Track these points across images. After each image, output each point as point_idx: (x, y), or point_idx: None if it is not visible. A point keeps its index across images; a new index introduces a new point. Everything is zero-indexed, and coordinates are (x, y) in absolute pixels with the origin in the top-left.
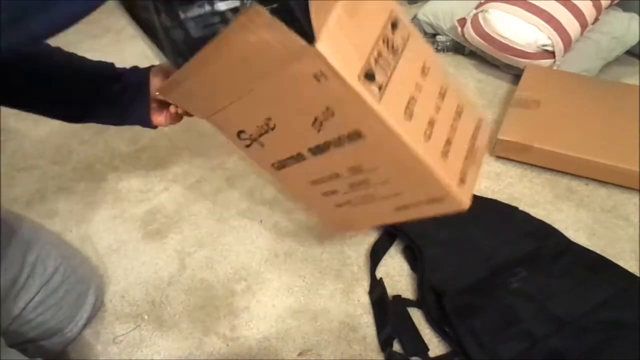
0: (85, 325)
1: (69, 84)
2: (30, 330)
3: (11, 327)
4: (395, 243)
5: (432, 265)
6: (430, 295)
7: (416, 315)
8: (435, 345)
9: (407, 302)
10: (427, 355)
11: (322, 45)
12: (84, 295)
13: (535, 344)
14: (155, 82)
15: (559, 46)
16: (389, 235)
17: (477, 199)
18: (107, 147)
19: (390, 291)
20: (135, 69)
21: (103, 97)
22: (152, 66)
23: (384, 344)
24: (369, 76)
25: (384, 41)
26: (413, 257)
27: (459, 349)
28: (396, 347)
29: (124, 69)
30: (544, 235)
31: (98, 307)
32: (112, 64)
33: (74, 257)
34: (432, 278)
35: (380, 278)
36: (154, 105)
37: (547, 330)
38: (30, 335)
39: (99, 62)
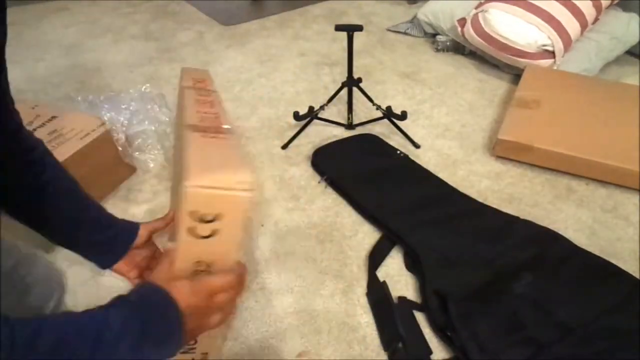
0: None
1: (67, 228)
2: None
3: None
4: (396, 245)
5: (433, 274)
6: (433, 300)
7: (419, 319)
8: (437, 348)
9: (413, 305)
10: (430, 358)
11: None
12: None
13: (539, 350)
14: (141, 236)
15: (558, 46)
16: (388, 239)
17: (476, 205)
18: None
19: (390, 291)
20: (128, 224)
21: (91, 241)
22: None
23: (388, 343)
24: None
25: None
26: (413, 263)
27: (462, 354)
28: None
29: (119, 222)
30: (549, 240)
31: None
32: (110, 215)
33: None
34: (435, 284)
35: (384, 281)
36: (127, 259)
37: (552, 336)
38: None
39: (99, 211)
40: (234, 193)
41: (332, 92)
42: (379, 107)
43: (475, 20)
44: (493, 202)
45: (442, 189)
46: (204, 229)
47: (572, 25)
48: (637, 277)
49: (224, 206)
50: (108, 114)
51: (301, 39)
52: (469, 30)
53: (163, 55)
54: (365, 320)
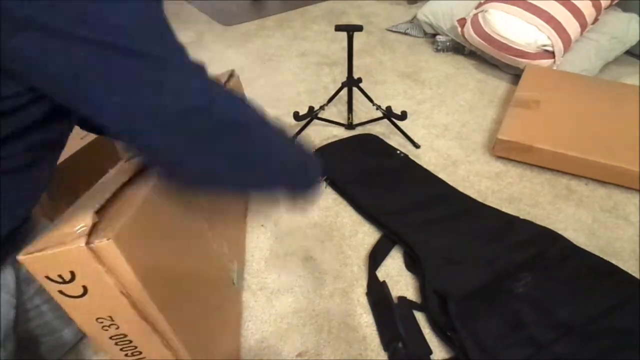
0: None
1: None
2: (33, 328)
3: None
4: (396, 245)
5: (433, 274)
6: (433, 300)
7: (419, 319)
8: (437, 348)
9: (412, 305)
10: (429, 358)
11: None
12: None
13: (539, 350)
14: None
15: (558, 46)
16: (388, 239)
17: (476, 205)
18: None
19: (390, 291)
20: None
21: None
22: None
23: (388, 343)
24: None
25: None
26: (413, 263)
27: (462, 354)
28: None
29: None
30: (548, 240)
31: None
32: None
33: None
34: (435, 284)
35: (384, 281)
36: None
37: (552, 336)
38: (32, 331)
39: None
40: (63, 248)
41: (332, 92)
42: (379, 107)
43: (475, 21)
44: (493, 202)
45: (442, 189)
46: (72, 289)
47: (571, 26)
48: (637, 277)
49: (68, 262)
50: None
51: (301, 39)
52: (469, 30)
53: None
54: (365, 320)
